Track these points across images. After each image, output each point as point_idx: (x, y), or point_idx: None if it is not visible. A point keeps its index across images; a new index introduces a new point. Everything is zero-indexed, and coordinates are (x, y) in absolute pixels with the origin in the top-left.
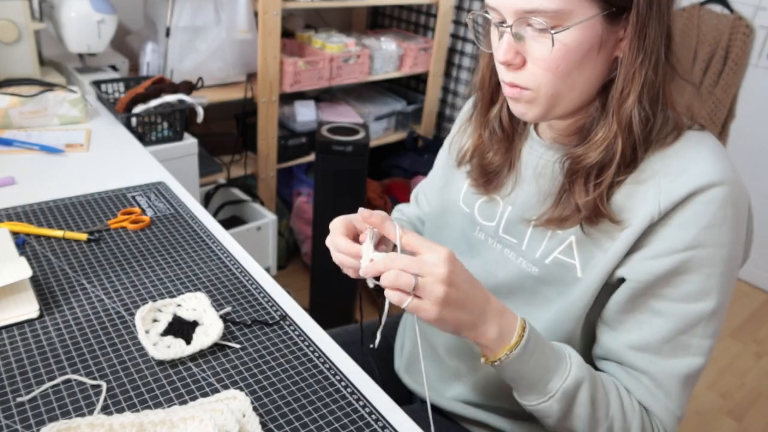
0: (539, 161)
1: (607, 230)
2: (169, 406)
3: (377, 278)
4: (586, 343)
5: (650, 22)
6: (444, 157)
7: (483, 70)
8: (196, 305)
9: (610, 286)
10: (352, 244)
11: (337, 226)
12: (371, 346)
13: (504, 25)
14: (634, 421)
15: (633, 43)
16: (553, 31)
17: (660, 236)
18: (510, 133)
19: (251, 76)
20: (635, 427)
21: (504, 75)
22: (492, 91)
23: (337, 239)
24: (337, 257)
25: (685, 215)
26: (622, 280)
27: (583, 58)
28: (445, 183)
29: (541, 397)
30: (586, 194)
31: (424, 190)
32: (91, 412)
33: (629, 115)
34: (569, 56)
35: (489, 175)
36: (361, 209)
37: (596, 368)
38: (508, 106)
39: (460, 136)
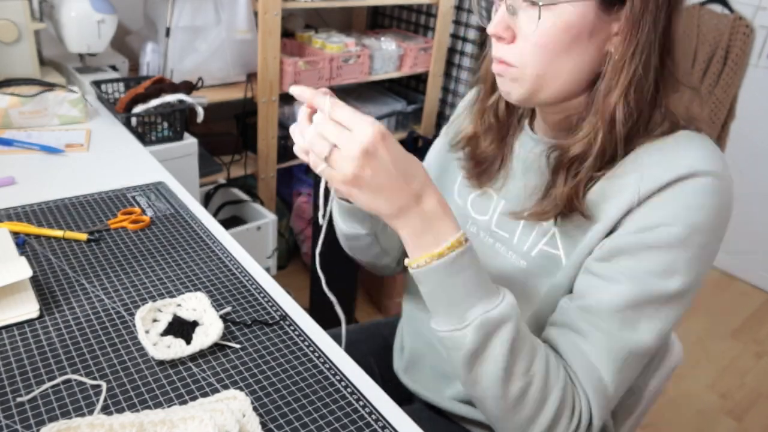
0: (529, 155)
1: (580, 224)
2: (169, 406)
3: None
4: None
5: (644, 19)
6: (439, 147)
7: (489, 60)
8: (196, 305)
9: None
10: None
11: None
12: (320, 223)
13: None
14: (555, 387)
15: (624, 38)
16: (542, 3)
17: (635, 217)
18: (505, 124)
19: (251, 76)
20: (554, 396)
21: (494, 50)
22: (493, 81)
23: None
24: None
25: (663, 197)
26: None
27: (571, 41)
28: (440, 174)
29: (457, 324)
30: (563, 186)
31: None
32: (91, 412)
33: (613, 110)
34: (557, 36)
35: (480, 166)
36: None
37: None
38: None
39: (460, 121)
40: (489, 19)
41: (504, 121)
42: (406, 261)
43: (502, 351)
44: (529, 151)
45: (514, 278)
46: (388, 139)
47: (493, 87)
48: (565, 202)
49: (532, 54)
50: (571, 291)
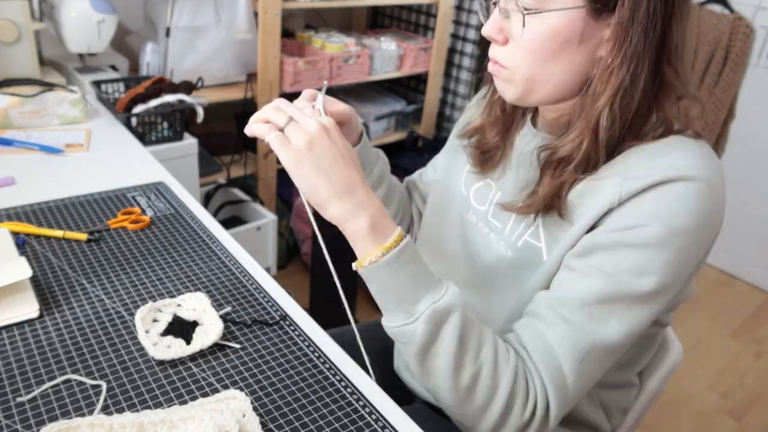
0: (525, 149)
1: (560, 223)
2: (169, 406)
3: None
4: None
5: (633, 27)
6: (450, 142)
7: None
8: (196, 305)
9: None
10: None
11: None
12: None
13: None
14: (506, 374)
15: (612, 45)
16: (525, 12)
17: (613, 217)
18: (510, 117)
19: (251, 76)
20: (505, 383)
21: (490, 49)
22: None
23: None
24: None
25: (644, 198)
26: None
27: (560, 47)
28: (449, 165)
29: (408, 318)
30: (548, 186)
31: (429, 166)
32: (91, 412)
33: (597, 117)
34: (545, 41)
35: (485, 155)
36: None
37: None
38: None
39: (471, 112)
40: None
41: (509, 114)
42: (354, 264)
43: (452, 339)
44: (525, 144)
45: (501, 268)
46: (335, 132)
47: None
48: (548, 200)
49: (522, 58)
50: (547, 286)
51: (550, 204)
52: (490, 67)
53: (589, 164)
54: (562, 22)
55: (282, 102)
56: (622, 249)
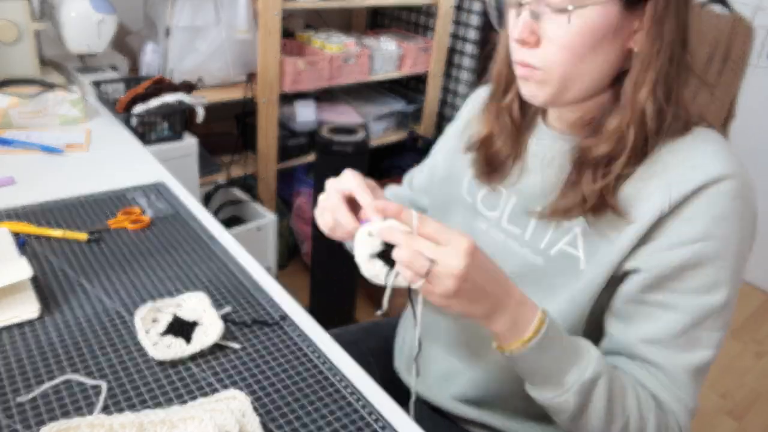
0: (547, 152)
1: (613, 222)
2: (169, 406)
3: (385, 258)
4: (589, 334)
5: (668, 15)
6: (447, 145)
7: (500, 62)
8: (196, 305)
9: (617, 278)
10: (353, 220)
11: (339, 195)
12: (378, 311)
13: (522, 3)
14: (651, 416)
15: (650, 34)
16: (570, 9)
17: (671, 228)
18: (519, 124)
19: (251, 76)
20: (652, 424)
21: (516, 54)
22: (506, 83)
23: (340, 212)
24: (329, 223)
25: (696, 207)
26: (630, 272)
27: (596, 42)
28: (448, 174)
29: (557, 391)
30: (593, 183)
31: (419, 171)
32: (91, 412)
33: (643, 106)
34: (584, 38)
35: (494, 165)
36: (372, 202)
37: None
38: (519, 98)
39: (473, 125)
40: (499, 20)
41: (519, 120)
42: (497, 346)
43: (602, 402)
44: (547, 148)
45: (529, 275)
46: (479, 248)
47: (507, 88)
48: (597, 199)
49: (559, 56)
50: (595, 297)
51: (601, 202)
52: (521, 71)
53: (637, 156)
54: (599, 16)
55: (415, 241)
56: (690, 270)
